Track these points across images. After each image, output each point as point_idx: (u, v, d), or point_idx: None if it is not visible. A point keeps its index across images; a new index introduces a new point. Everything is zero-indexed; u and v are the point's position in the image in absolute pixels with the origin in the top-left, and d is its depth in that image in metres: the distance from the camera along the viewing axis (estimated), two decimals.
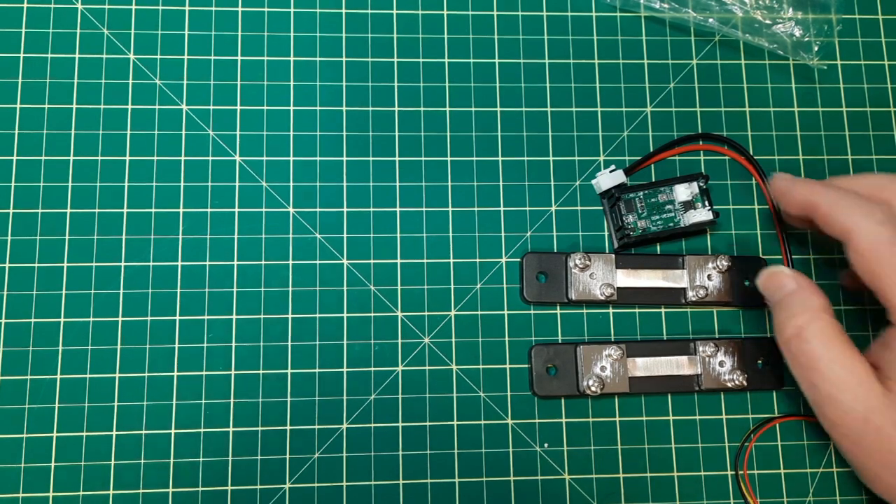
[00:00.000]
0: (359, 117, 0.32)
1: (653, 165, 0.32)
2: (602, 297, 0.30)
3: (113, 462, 0.29)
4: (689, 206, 0.31)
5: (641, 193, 0.31)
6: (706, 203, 0.30)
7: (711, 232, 0.32)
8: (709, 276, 0.31)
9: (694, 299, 0.31)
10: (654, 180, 0.32)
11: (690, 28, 0.34)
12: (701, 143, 0.33)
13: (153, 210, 0.31)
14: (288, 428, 0.29)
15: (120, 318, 0.30)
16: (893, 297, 0.24)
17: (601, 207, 0.32)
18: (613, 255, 0.31)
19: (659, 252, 0.32)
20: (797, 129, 0.33)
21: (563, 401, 0.30)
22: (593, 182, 0.32)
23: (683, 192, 0.31)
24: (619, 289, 0.31)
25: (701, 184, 0.31)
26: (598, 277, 0.31)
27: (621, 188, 0.31)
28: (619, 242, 0.31)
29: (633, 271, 0.31)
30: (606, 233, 0.32)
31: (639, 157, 0.32)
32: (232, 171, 0.31)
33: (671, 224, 0.31)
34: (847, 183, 0.27)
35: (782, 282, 0.27)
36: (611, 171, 0.31)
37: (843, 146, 0.33)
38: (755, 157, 0.32)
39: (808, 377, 0.25)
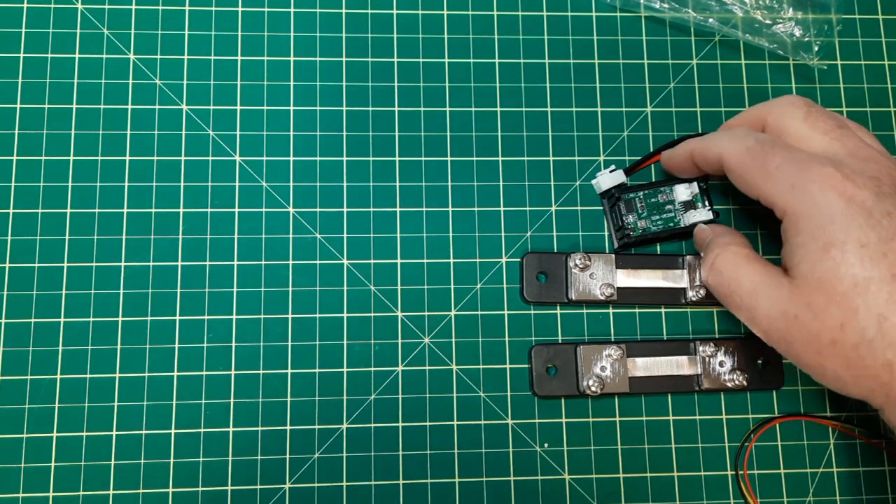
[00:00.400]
0: (359, 117, 0.32)
1: (653, 165, 0.32)
2: (602, 297, 0.30)
3: (113, 462, 0.29)
4: (689, 206, 0.31)
5: (641, 193, 0.31)
6: (706, 203, 0.30)
7: None
8: None
9: (694, 299, 0.31)
10: (654, 180, 0.32)
11: (690, 28, 0.34)
12: None
13: (153, 210, 0.31)
14: (288, 428, 0.29)
15: (120, 318, 0.30)
16: (770, 196, 0.25)
17: (601, 207, 0.32)
18: (613, 255, 0.31)
19: (659, 252, 0.32)
20: None
21: (563, 401, 0.30)
22: (593, 182, 0.32)
23: (683, 192, 0.31)
24: (619, 289, 0.31)
25: (701, 184, 0.31)
26: (598, 277, 0.31)
27: (621, 188, 0.31)
28: (619, 242, 0.31)
29: (633, 271, 0.31)
30: (606, 233, 0.32)
31: (639, 157, 0.32)
32: (232, 171, 0.31)
33: (671, 224, 0.31)
34: (737, 121, 0.29)
35: (703, 235, 0.30)
36: (611, 171, 0.31)
37: None
38: None
39: (733, 302, 0.27)
